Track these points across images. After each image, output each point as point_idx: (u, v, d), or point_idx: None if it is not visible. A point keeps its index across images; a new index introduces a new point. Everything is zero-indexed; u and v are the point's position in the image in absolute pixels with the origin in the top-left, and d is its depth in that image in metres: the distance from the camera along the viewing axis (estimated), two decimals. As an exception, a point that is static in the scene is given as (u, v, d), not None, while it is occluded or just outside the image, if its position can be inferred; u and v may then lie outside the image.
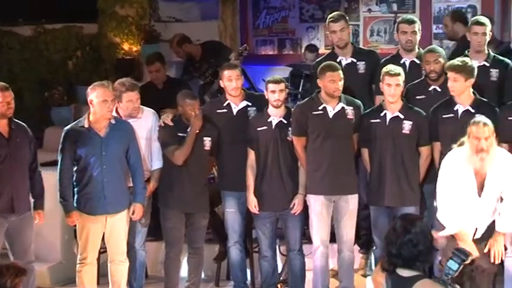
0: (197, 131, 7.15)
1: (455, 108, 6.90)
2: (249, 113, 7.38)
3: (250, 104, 7.39)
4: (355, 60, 7.69)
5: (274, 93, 7.13)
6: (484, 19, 7.57)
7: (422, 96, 7.25)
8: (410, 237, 4.82)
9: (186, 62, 9.82)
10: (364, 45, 9.91)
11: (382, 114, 7.05)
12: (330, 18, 7.71)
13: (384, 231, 6.36)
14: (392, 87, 6.93)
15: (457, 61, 6.86)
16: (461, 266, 4.91)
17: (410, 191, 7.00)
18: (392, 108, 7.02)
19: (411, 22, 7.63)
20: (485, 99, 6.95)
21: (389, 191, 6.99)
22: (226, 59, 8.93)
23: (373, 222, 7.12)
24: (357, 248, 7.49)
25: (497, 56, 7.55)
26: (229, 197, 7.37)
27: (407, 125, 6.98)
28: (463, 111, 6.87)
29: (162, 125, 7.27)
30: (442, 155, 6.85)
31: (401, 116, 7.01)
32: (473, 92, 6.90)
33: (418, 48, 7.61)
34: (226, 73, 7.32)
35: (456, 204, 6.30)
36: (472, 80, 6.85)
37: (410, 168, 7.01)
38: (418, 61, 7.49)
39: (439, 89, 7.21)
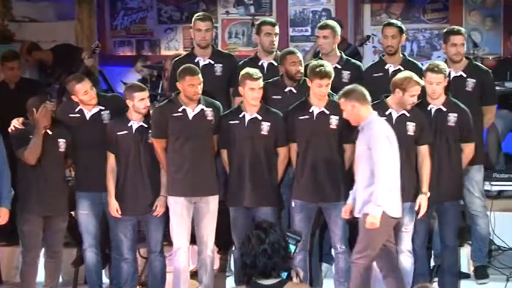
0: (47, 130, 7.02)
1: (310, 110, 7.03)
2: (103, 117, 7.30)
3: (103, 108, 7.30)
4: (212, 62, 7.71)
5: (143, 101, 7.09)
6: (331, 22, 7.78)
7: (279, 97, 7.35)
8: (265, 247, 4.75)
9: (38, 69, 9.59)
10: (222, 47, 9.98)
11: (241, 115, 7.11)
12: (198, 16, 7.74)
13: (243, 232, 6.48)
14: (255, 91, 6.99)
15: (315, 65, 6.98)
16: (297, 247, 4.99)
17: (269, 192, 7.08)
18: (251, 110, 7.09)
19: (274, 24, 7.74)
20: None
21: (248, 191, 7.05)
22: (78, 59, 8.81)
23: (232, 223, 7.17)
24: (216, 248, 7.53)
25: (349, 58, 7.77)
26: (83, 198, 7.27)
27: (265, 126, 7.06)
28: (318, 113, 7.02)
29: (13, 128, 7.11)
30: (299, 156, 6.98)
31: (260, 118, 7.08)
32: (329, 94, 7.05)
33: (276, 51, 7.72)
34: (78, 87, 7.18)
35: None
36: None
37: (269, 169, 7.10)
38: (276, 63, 7.59)
39: (294, 90, 7.34)
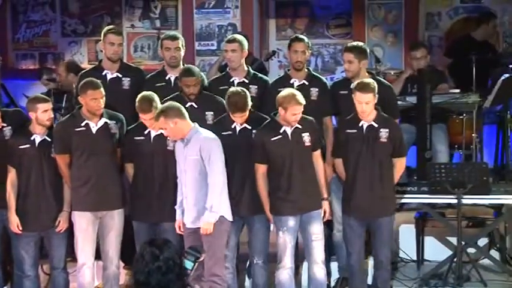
0: None
1: (232, 126, 7.02)
2: (5, 133, 7.14)
3: (5, 124, 7.15)
4: (120, 75, 7.68)
5: (46, 113, 6.97)
6: (238, 36, 7.81)
7: None
8: (159, 264, 4.70)
9: None
10: (128, 61, 9.91)
11: (146, 131, 7.07)
12: (110, 30, 7.71)
13: None
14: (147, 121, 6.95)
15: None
16: (196, 264, 4.99)
17: (170, 207, 7.03)
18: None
19: (174, 38, 7.74)
20: (265, 116, 7.08)
21: (154, 207, 6.99)
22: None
23: (136, 238, 7.11)
24: (122, 264, 7.45)
25: (256, 73, 7.82)
26: None
27: (171, 142, 7.04)
28: (240, 129, 6.99)
29: None
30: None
31: (165, 133, 7.05)
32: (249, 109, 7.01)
33: (183, 64, 7.72)
34: None
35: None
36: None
37: (175, 184, 7.05)
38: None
39: (195, 106, 7.34)
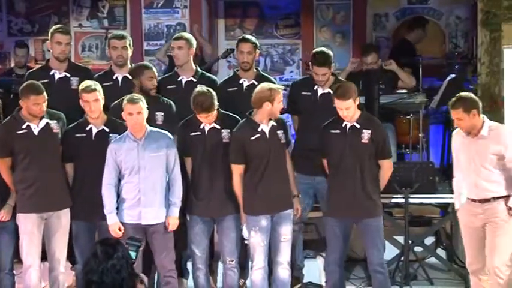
0: None
1: (201, 126, 6.98)
2: None
3: None
4: (68, 75, 7.63)
5: None
6: (186, 34, 7.84)
7: None
8: (113, 262, 4.70)
9: None
10: (75, 60, 9.82)
11: (87, 128, 7.02)
12: (58, 29, 7.66)
13: (86, 247, 6.49)
14: (91, 103, 6.92)
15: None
16: (138, 252, 4.99)
17: None
18: (97, 123, 7.00)
19: (121, 38, 7.71)
20: (233, 115, 7.07)
21: (93, 205, 6.88)
22: None
23: (75, 238, 7.05)
24: (69, 265, 7.39)
25: (204, 72, 7.81)
26: None
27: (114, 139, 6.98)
28: (209, 129, 6.97)
29: None
30: (192, 170, 7.00)
31: (107, 130, 7.02)
32: (217, 109, 6.98)
33: (131, 64, 7.68)
34: None
35: None
36: None
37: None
38: (130, 76, 7.54)
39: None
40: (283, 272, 6.98)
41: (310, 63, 7.44)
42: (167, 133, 6.92)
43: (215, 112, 6.94)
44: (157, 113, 7.26)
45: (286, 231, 6.94)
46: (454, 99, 6.73)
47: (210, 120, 6.95)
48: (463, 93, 6.80)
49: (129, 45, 7.72)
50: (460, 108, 6.61)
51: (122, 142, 6.85)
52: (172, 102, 7.36)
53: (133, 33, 9.91)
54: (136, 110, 6.77)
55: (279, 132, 6.95)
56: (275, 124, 6.94)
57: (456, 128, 6.83)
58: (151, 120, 7.05)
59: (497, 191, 6.67)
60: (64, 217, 6.99)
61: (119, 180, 6.87)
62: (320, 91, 7.44)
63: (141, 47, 10.57)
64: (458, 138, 6.82)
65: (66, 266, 7.14)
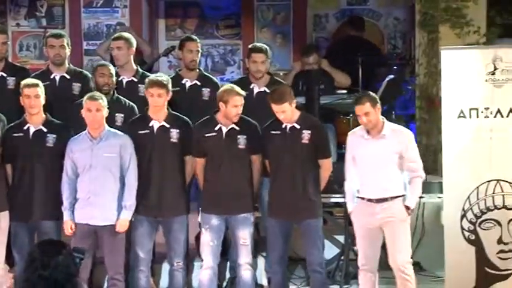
0: None
1: (150, 124, 6.96)
2: None
3: None
4: (5, 75, 7.59)
5: None
6: (125, 34, 7.84)
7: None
8: (57, 261, 4.62)
9: None
10: (13, 60, 9.69)
11: (25, 128, 6.93)
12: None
13: (25, 249, 6.49)
14: (32, 99, 6.85)
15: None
16: (80, 264, 4.91)
17: (57, 205, 6.89)
18: (36, 123, 6.92)
19: (59, 36, 7.65)
20: (182, 116, 7.07)
21: (36, 205, 6.87)
22: None
23: (13, 239, 6.96)
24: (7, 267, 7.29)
25: (145, 72, 7.78)
26: None
27: (51, 138, 6.92)
28: (158, 127, 6.94)
29: None
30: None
31: (45, 130, 6.95)
32: (167, 108, 6.99)
33: (69, 64, 7.62)
34: None
35: None
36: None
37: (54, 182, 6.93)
38: (68, 76, 7.46)
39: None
40: (246, 272, 7.00)
41: (247, 56, 7.46)
42: (125, 135, 6.87)
43: (165, 111, 6.91)
44: (117, 115, 7.22)
45: (244, 235, 6.92)
46: (357, 95, 6.88)
47: (160, 119, 6.93)
48: (363, 91, 6.93)
49: (67, 44, 7.66)
50: (367, 103, 6.70)
51: (78, 140, 6.82)
52: (134, 105, 7.32)
53: (73, 33, 9.83)
54: (95, 107, 6.73)
55: (239, 136, 6.92)
56: (237, 128, 6.92)
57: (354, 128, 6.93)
58: (110, 121, 7.00)
59: (396, 190, 6.77)
60: (3, 220, 6.89)
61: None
62: (256, 90, 7.48)
63: (81, 47, 10.48)
64: (354, 138, 6.91)
65: (5, 268, 7.05)
